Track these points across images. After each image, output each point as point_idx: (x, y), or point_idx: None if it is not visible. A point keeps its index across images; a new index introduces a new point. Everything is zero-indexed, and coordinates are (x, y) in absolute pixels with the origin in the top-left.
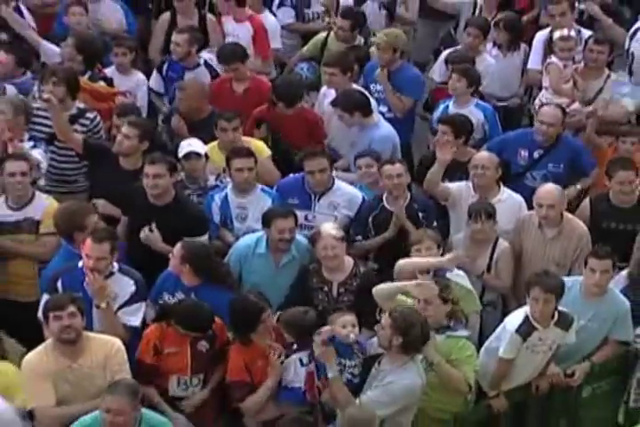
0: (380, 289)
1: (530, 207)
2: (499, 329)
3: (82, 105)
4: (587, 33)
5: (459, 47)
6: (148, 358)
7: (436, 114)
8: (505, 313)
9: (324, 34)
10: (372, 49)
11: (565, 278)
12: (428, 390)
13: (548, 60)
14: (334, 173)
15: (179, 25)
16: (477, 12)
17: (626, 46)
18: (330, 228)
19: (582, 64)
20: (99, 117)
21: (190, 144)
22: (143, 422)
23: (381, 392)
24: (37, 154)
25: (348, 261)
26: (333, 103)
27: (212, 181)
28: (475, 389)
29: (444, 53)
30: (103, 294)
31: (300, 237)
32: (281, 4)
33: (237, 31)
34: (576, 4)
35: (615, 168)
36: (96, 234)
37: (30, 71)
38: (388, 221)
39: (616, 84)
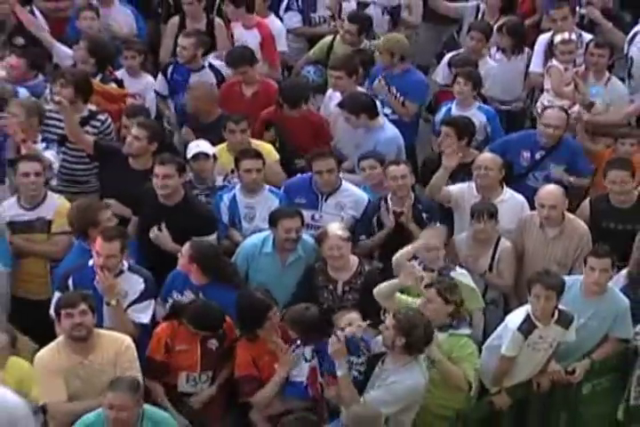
0: (379, 289)
1: (532, 207)
2: (500, 327)
3: (93, 107)
4: (587, 37)
5: (461, 50)
6: (159, 355)
7: (439, 116)
8: (507, 311)
9: (330, 37)
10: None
11: (566, 277)
12: (430, 388)
13: (550, 64)
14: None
15: (188, 29)
16: (480, 16)
17: (624, 51)
18: (336, 228)
19: (583, 67)
20: (110, 119)
21: (198, 145)
22: (146, 417)
23: (385, 392)
24: (50, 155)
25: (353, 260)
26: (340, 105)
27: (219, 181)
28: (477, 386)
29: (447, 56)
30: (113, 292)
31: (307, 237)
32: (288, 9)
33: (245, 37)
34: (577, 9)
35: (609, 168)
36: (106, 232)
37: (42, 74)
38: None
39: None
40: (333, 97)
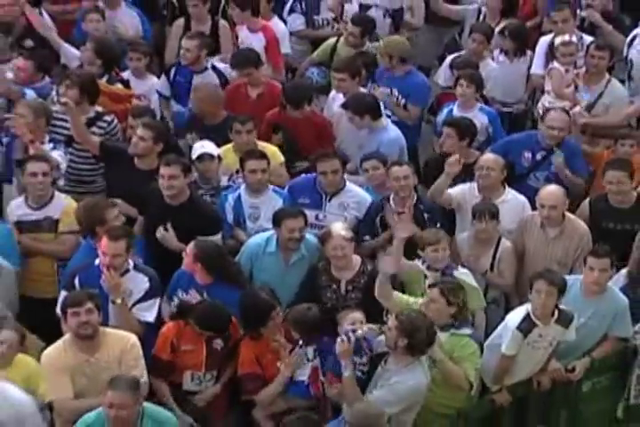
0: (377, 288)
1: (533, 208)
2: (500, 326)
3: (99, 109)
4: (588, 39)
5: (463, 52)
6: (165, 354)
7: (441, 117)
8: (507, 311)
9: (333, 39)
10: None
11: (566, 277)
12: (432, 387)
13: (551, 65)
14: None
15: (192, 31)
16: (481, 18)
17: (624, 53)
18: (340, 228)
19: (583, 69)
20: (116, 120)
21: (203, 146)
22: (146, 416)
23: (387, 392)
24: (57, 155)
25: (356, 260)
26: (344, 106)
27: (224, 181)
28: (478, 385)
29: (449, 58)
30: (119, 291)
31: (310, 236)
32: (291, 11)
33: (251, 40)
34: (578, 11)
35: (607, 168)
36: (112, 232)
37: (49, 76)
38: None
39: None
40: (336, 98)
